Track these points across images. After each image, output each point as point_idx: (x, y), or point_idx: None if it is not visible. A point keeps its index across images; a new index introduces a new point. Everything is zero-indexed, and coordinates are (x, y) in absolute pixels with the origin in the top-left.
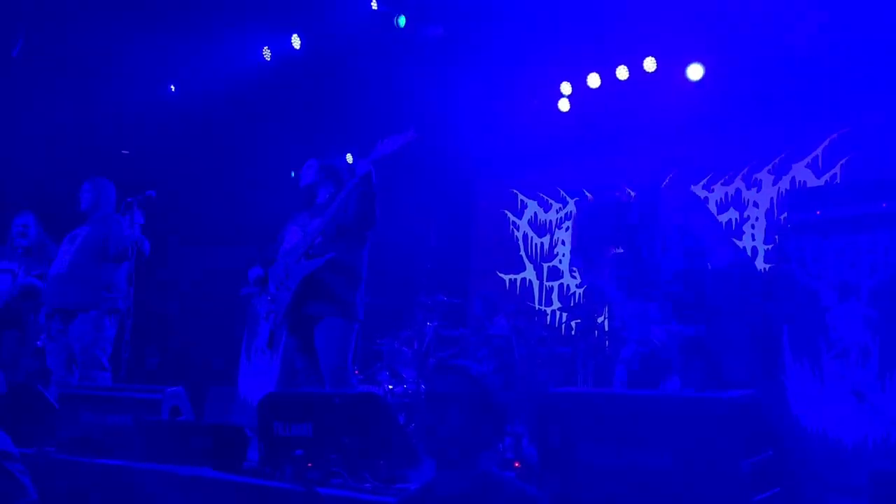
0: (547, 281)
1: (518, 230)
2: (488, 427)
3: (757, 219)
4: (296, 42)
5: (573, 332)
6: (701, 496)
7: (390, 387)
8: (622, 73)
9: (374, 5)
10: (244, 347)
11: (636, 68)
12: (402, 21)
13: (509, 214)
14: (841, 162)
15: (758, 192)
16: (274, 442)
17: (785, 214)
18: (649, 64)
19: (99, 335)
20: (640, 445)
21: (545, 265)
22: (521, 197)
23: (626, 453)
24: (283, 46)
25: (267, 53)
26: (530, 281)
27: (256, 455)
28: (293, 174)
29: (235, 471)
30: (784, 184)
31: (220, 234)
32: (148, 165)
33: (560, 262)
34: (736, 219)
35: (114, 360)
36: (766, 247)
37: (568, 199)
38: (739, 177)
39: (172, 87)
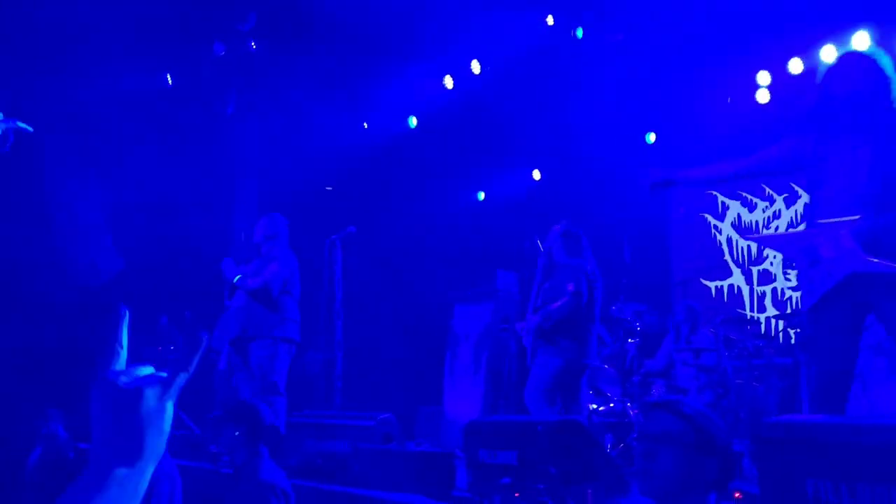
0: (758, 286)
1: (721, 234)
2: (710, 467)
3: None
4: (476, 68)
5: (792, 341)
6: None
7: (594, 406)
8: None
9: (550, 21)
10: (447, 369)
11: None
12: (579, 33)
13: (709, 218)
14: None
15: None
16: (480, 468)
17: None
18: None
19: (274, 363)
20: (881, 482)
21: (754, 269)
22: (721, 198)
23: (863, 490)
24: (464, 74)
25: (449, 82)
26: (739, 287)
27: (465, 478)
28: (482, 196)
29: (446, 498)
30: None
31: (415, 263)
32: (346, 202)
33: (771, 264)
34: None
35: (327, 389)
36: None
37: (775, 196)
38: None
39: (365, 125)
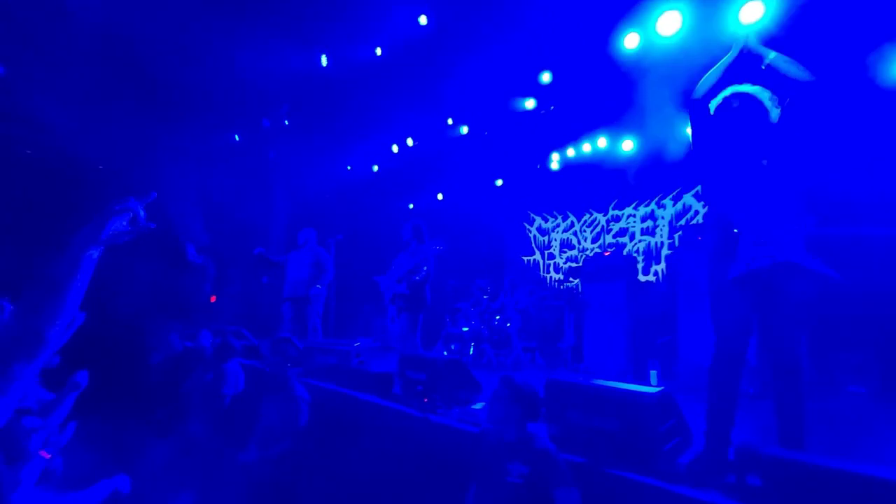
0: (546, 260)
1: (530, 233)
2: (523, 410)
3: (663, 226)
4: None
5: (561, 290)
6: (634, 447)
7: (465, 328)
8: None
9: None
10: (388, 318)
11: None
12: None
13: (526, 225)
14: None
15: (664, 210)
16: (407, 381)
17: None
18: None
19: (314, 311)
20: (601, 414)
21: (546, 251)
22: (532, 215)
23: (592, 419)
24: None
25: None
26: (537, 260)
27: (399, 386)
28: (441, 196)
29: (387, 397)
30: (679, 206)
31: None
32: (337, 217)
33: (554, 250)
34: (650, 226)
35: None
36: (668, 241)
37: (557, 215)
38: (654, 201)
39: (349, 167)
